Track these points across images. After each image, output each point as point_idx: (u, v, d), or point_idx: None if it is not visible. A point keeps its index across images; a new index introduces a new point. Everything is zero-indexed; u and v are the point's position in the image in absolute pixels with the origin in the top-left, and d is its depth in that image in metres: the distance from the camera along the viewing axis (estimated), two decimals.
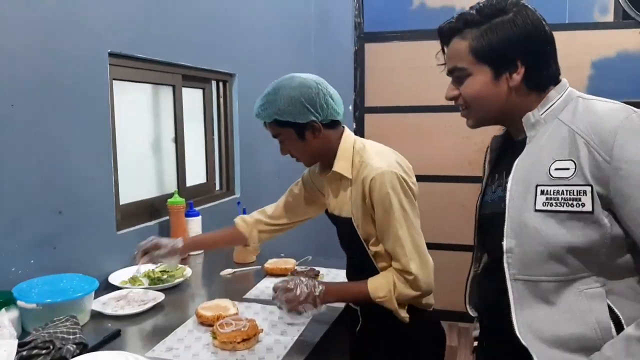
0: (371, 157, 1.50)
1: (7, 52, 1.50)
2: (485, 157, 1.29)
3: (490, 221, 1.18)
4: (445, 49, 1.16)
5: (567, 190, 1.01)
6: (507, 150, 1.20)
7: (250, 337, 1.34)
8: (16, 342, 1.20)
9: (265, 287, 1.83)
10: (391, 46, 3.85)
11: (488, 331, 1.27)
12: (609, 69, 3.55)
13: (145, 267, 1.67)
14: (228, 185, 2.87)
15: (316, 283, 1.46)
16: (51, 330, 1.31)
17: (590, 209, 0.99)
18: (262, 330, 1.41)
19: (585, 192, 0.99)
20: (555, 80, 1.11)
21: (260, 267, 2.04)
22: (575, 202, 1.00)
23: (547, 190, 1.03)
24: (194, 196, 2.48)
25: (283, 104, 1.49)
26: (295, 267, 1.89)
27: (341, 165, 1.53)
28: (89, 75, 1.79)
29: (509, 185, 1.08)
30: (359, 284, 1.50)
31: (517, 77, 1.08)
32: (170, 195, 2.20)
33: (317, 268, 1.92)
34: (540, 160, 1.05)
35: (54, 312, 1.40)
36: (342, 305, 1.63)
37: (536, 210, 1.03)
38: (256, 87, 3.02)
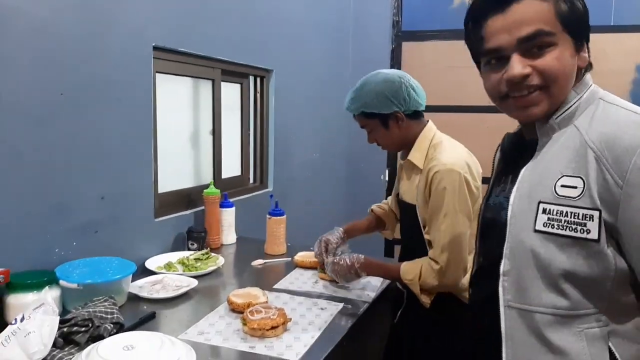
0: (443, 152, 1.60)
1: (59, 44, 1.58)
2: (495, 156, 1.16)
3: (490, 226, 1.07)
4: (501, 15, 0.92)
5: (571, 213, 0.87)
6: (518, 151, 1.06)
7: (278, 325, 1.37)
8: (58, 318, 1.26)
9: (294, 278, 1.87)
10: (429, 45, 3.82)
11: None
12: None
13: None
14: (262, 179, 2.92)
15: (356, 256, 1.67)
16: (90, 310, 1.38)
17: (596, 236, 0.86)
18: (291, 319, 1.44)
19: (592, 217, 0.85)
20: (587, 71, 0.98)
21: (290, 259, 2.08)
22: (579, 227, 0.86)
23: (549, 210, 0.89)
24: (229, 188, 2.54)
25: (369, 98, 1.64)
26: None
27: (416, 155, 1.66)
28: (134, 68, 1.86)
29: (511, 199, 0.95)
30: (396, 264, 1.64)
31: (585, 56, 0.94)
32: (206, 186, 2.26)
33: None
34: (548, 174, 0.92)
35: (93, 292, 1.47)
36: (370, 299, 1.66)
37: (535, 231, 0.91)
38: (293, 83, 3.08)
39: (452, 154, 1.60)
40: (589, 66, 0.97)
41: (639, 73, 3.45)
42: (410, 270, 1.57)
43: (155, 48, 1.97)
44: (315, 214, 3.35)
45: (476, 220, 1.20)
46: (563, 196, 0.88)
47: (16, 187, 1.50)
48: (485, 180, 1.32)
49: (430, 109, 4.21)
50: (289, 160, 3.10)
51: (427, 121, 1.73)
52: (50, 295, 1.38)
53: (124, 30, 1.80)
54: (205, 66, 2.35)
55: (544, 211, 0.90)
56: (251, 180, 2.90)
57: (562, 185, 0.89)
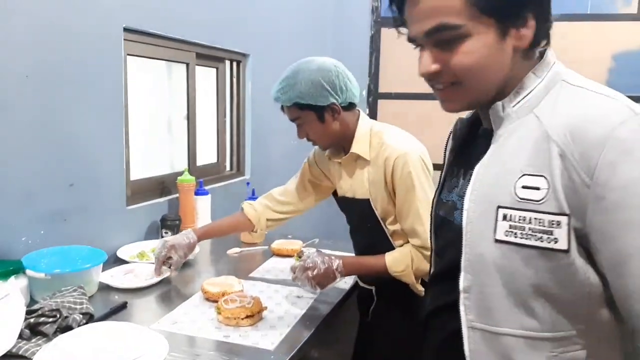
0: (391, 138, 1.53)
1: (22, 24, 1.50)
2: (447, 144, 1.01)
3: (442, 226, 0.96)
4: (412, 3, 0.81)
5: (535, 219, 0.74)
6: (472, 139, 0.94)
7: (254, 313, 1.35)
8: (24, 309, 1.22)
9: (271, 266, 1.84)
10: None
11: None
12: (631, 63, 3.47)
13: (167, 273, 1.66)
14: (238, 166, 2.87)
15: (332, 257, 1.51)
16: (58, 300, 1.33)
17: (565, 246, 0.73)
18: (267, 307, 1.42)
19: (559, 224, 0.73)
20: (548, 41, 0.84)
21: (267, 247, 2.05)
22: (545, 236, 0.73)
23: (510, 216, 0.76)
24: (204, 175, 2.49)
25: (304, 87, 1.50)
26: (302, 249, 1.90)
27: (359, 147, 1.56)
28: (103, 50, 1.80)
29: (466, 204, 0.82)
30: (376, 257, 1.53)
31: (527, 32, 0.79)
32: (181, 173, 2.21)
33: (323, 250, 1.92)
34: (506, 173, 0.78)
35: (62, 282, 1.42)
36: (347, 286, 1.64)
37: (496, 241, 0.77)
38: (270, 69, 3.02)
39: (401, 138, 1.54)
40: (544, 43, 0.84)
41: (615, 62, 3.49)
42: (399, 261, 1.49)
43: (126, 29, 1.90)
44: None
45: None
46: (525, 199, 0.75)
47: None
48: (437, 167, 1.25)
49: (410, 96, 4.20)
50: (267, 147, 3.06)
51: (359, 111, 1.62)
52: (16, 285, 1.33)
53: (93, 10, 1.73)
54: (179, 49, 2.29)
55: (505, 217, 0.77)
56: (227, 168, 2.85)
57: (523, 187, 0.76)
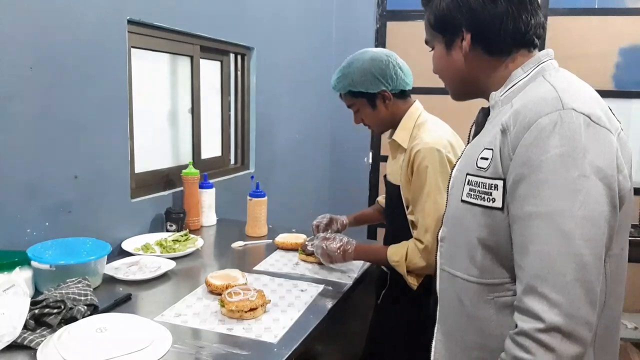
0: (426, 131, 1.60)
1: (27, 16, 1.50)
2: (470, 131, 1.16)
3: None
4: None
5: (482, 183, 0.93)
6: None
7: (257, 307, 1.35)
8: (29, 300, 1.22)
9: (275, 260, 1.84)
10: (414, 25, 3.77)
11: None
12: (637, 57, 3.45)
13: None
14: (243, 160, 2.87)
15: (349, 239, 1.68)
16: (63, 291, 1.34)
17: (500, 205, 0.89)
18: (270, 301, 1.42)
19: (496, 187, 0.90)
20: (522, 42, 0.99)
21: (271, 241, 2.05)
22: (486, 197, 0.91)
23: (470, 180, 0.96)
24: (209, 169, 2.50)
25: (356, 76, 1.63)
26: (306, 243, 1.89)
27: (400, 134, 1.65)
28: (107, 42, 1.79)
29: (453, 172, 1.04)
30: (383, 247, 1.64)
31: (465, 44, 1.01)
32: (185, 167, 2.21)
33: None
34: (477, 148, 0.97)
35: (66, 273, 1.43)
36: (350, 281, 1.64)
37: (462, 201, 0.97)
38: (274, 62, 3.02)
39: (435, 133, 1.59)
40: (521, 32, 0.98)
41: (621, 56, 3.47)
42: (396, 252, 1.57)
43: (130, 22, 1.89)
44: (297, 196, 3.32)
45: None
46: (479, 167, 0.94)
47: None
48: None
49: (415, 90, 4.20)
50: (271, 141, 3.06)
51: (414, 101, 1.72)
52: (21, 277, 1.34)
53: (97, 2, 1.73)
54: (183, 42, 2.28)
55: (468, 182, 0.96)
56: (232, 161, 2.85)
57: (481, 158, 0.94)
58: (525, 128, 0.86)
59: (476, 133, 1.11)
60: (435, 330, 1.06)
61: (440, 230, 1.05)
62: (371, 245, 1.78)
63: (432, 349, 1.06)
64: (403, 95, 1.68)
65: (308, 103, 3.51)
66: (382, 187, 1.92)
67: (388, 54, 1.65)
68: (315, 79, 3.61)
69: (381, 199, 2.00)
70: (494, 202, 0.90)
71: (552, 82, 0.92)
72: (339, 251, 1.65)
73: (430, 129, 1.61)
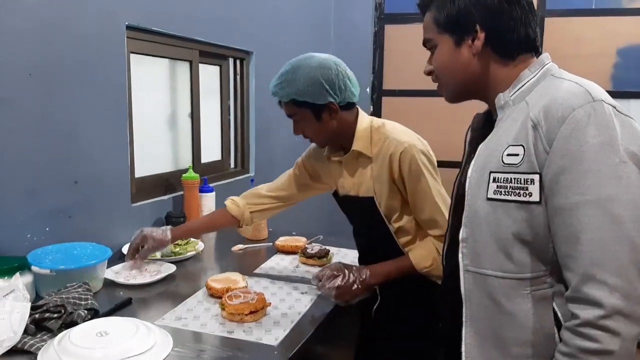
0: (393, 132, 1.51)
1: (25, 22, 1.51)
2: (466, 136, 1.21)
3: (460, 203, 1.10)
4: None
5: (515, 179, 0.93)
6: (485, 129, 1.12)
7: (257, 309, 1.35)
8: (29, 305, 1.22)
9: (275, 263, 1.84)
10: (412, 28, 3.78)
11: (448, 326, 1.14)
12: (636, 57, 3.45)
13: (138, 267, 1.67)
14: (243, 163, 2.88)
15: (358, 267, 1.50)
16: (63, 296, 1.34)
17: (537, 199, 0.91)
18: (270, 304, 1.42)
19: (532, 181, 0.91)
20: (528, 47, 1.03)
21: (271, 244, 2.05)
22: (522, 191, 0.92)
23: (498, 178, 0.96)
24: (209, 172, 2.50)
25: (302, 85, 1.47)
26: (306, 246, 1.90)
27: (360, 144, 1.53)
28: (106, 48, 1.80)
29: (469, 172, 1.03)
30: (400, 259, 1.53)
31: (477, 43, 1.02)
32: (185, 171, 2.22)
33: (327, 247, 1.92)
34: (498, 146, 0.99)
35: (67, 278, 1.43)
36: None
37: (487, 199, 0.97)
38: (273, 65, 3.00)
39: (403, 132, 1.53)
40: (520, 47, 1.03)
41: (619, 57, 3.47)
42: (424, 257, 1.49)
43: (129, 27, 1.90)
44: None
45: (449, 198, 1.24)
46: (508, 164, 0.95)
47: None
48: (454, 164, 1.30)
49: (414, 93, 4.19)
50: (271, 144, 3.06)
51: (357, 109, 1.59)
52: (21, 282, 1.34)
53: (95, 7, 1.74)
54: (182, 47, 2.29)
55: (494, 180, 0.96)
56: (232, 165, 2.85)
57: (508, 154, 0.95)
58: (560, 122, 0.88)
59: (473, 138, 1.14)
60: (463, 335, 1.03)
61: (462, 231, 1.02)
62: (384, 263, 1.54)
63: (463, 355, 1.02)
64: (349, 106, 1.54)
65: None
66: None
67: (337, 62, 1.51)
68: None
69: (229, 202, 1.80)
70: (530, 196, 0.91)
71: (570, 78, 0.97)
72: (356, 285, 1.46)
73: (394, 130, 1.53)
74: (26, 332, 1.19)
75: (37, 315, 1.24)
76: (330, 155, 1.64)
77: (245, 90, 2.84)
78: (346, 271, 1.47)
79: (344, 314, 1.55)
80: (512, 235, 0.94)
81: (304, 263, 1.82)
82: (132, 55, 1.99)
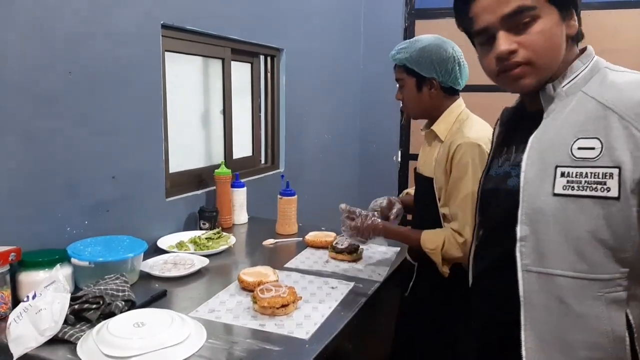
0: (468, 127, 1.61)
1: (65, 23, 1.56)
2: (494, 130, 1.18)
3: (491, 196, 1.09)
4: None
5: (591, 173, 0.88)
6: (518, 124, 1.09)
7: (289, 303, 1.37)
8: (69, 295, 1.27)
9: (305, 258, 1.86)
10: (443, 23, 3.74)
11: (488, 325, 1.11)
12: None
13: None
14: (273, 159, 2.91)
15: (377, 216, 1.72)
16: (102, 287, 1.38)
17: (616, 194, 0.86)
18: (301, 297, 1.44)
19: (611, 175, 0.86)
20: (578, 37, 1.00)
21: (301, 239, 2.07)
22: (599, 187, 0.87)
23: (568, 172, 0.90)
24: (240, 168, 2.53)
25: (416, 54, 1.63)
26: (336, 240, 1.91)
27: (440, 126, 1.66)
28: (142, 47, 1.85)
29: (523, 166, 0.96)
30: (416, 231, 1.65)
31: (573, 23, 0.97)
32: (217, 166, 2.25)
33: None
34: (561, 138, 0.93)
35: (105, 270, 1.48)
36: (380, 278, 1.65)
37: (555, 195, 0.91)
38: (303, 63, 3.04)
39: (478, 129, 1.60)
40: (580, 35, 1.01)
41: None
42: (432, 239, 1.57)
43: (164, 26, 1.94)
44: (327, 195, 3.33)
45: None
46: (581, 158, 0.89)
47: (27, 167, 1.50)
48: None
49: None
50: (301, 140, 3.08)
51: (458, 98, 1.72)
52: (61, 273, 1.38)
53: (132, 7, 1.78)
54: (215, 45, 2.33)
55: (563, 174, 0.91)
56: (262, 161, 2.89)
57: (579, 148, 0.90)
58: None
59: (501, 132, 1.12)
60: (522, 339, 0.96)
61: (519, 229, 0.96)
62: (402, 227, 1.76)
63: (524, 359, 0.96)
64: (451, 91, 1.68)
65: (337, 103, 3.53)
66: (411, 183, 1.91)
67: (454, 48, 1.65)
68: (344, 79, 3.63)
69: (411, 190, 1.98)
70: (608, 191, 0.86)
71: (631, 71, 0.95)
72: (367, 225, 1.66)
73: (473, 125, 1.62)
74: (66, 322, 1.23)
75: (76, 306, 1.28)
76: (424, 127, 1.78)
77: (275, 87, 2.86)
78: (363, 217, 1.69)
79: (375, 308, 1.56)
80: (588, 233, 0.89)
81: (334, 258, 1.83)
82: (166, 54, 2.03)
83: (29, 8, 1.46)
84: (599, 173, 0.87)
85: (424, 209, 1.73)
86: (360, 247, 1.88)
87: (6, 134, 1.44)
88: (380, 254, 1.90)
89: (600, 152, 0.88)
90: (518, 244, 0.96)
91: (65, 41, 1.57)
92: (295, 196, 2.19)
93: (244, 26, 2.44)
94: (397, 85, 1.74)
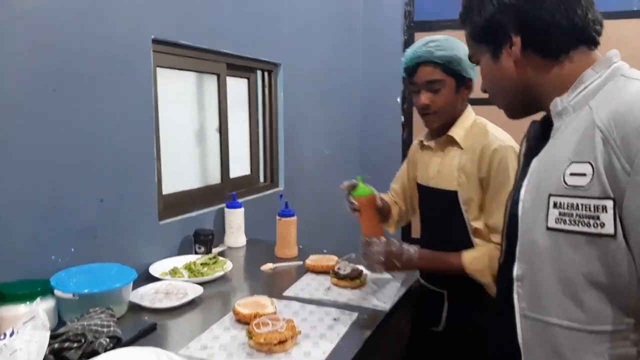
0: (493, 130, 1.52)
1: (50, 36, 1.48)
2: (521, 147, 1.05)
3: (510, 222, 0.97)
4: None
5: (582, 205, 0.74)
6: (544, 139, 0.97)
7: (287, 339, 1.26)
8: (48, 333, 1.16)
9: (306, 284, 1.75)
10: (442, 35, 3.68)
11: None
12: None
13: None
14: (272, 178, 2.81)
15: (408, 245, 1.51)
16: (85, 323, 1.28)
17: (611, 231, 0.72)
18: (300, 332, 1.33)
19: (604, 209, 0.72)
20: (579, 39, 0.87)
21: (301, 262, 1.96)
22: (592, 221, 0.74)
23: (560, 203, 0.77)
24: (238, 187, 2.44)
25: (462, 54, 1.48)
26: (338, 265, 1.80)
27: (457, 131, 1.54)
28: (132, 62, 1.76)
29: (522, 194, 0.85)
30: (452, 254, 1.48)
31: (515, 49, 0.89)
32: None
33: (360, 267, 1.82)
34: (556, 162, 0.80)
35: (90, 302, 1.38)
36: (386, 306, 1.54)
37: (548, 229, 0.78)
38: (302, 77, 2.96)
39: (502, 133, 1.51)
40: (584, 38, 0.88)
41: None
42: (477, 259, 1.44)
43: (155, 41, 1.86)
44: (328, 214, 3.23)
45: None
46: (572, 186, 0.76)
47: (6, 189, 1.40)
48: None
49: None
50: (300, 158, 2.99)
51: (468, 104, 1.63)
52: (41, 308, 1.28)
53: (120, 21, 1.70)
54: (209, 60, 2.24)
55: (555, 205, 0.78)
56: (261, 179, 2.79)
57: (572, 174, 0.77)
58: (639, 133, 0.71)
59: (529, 148, 0.98)
60: None
61: (516, 267, 0.85)
62: (434, 252, 1.52)
63: None
64: (469, 93, 1.60)
65: (336, 117, 3.44)
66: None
67: None
68: (344, 93, 3.55)
69: (385, 196, 1.83)
70: (602, 227, 0.73)
71: None
72: (405, 255, 1.47)
73: (495, 128, 1.53)
74: None
75: (56, 345, 1.18)
76: (424, 140, 1.66)
77: (273, 103, 2.77)
78: (397, 243, 1.49)
79: (381, 343, 1.45)
80: (583, 276, 0.76)
81: (336, 285, 1.72)
82: (158, 69, 1.94)
83: (10, 20, 1.37)
84: (590, 205, 0.74)
85: (446, 224, 1.56)
86: (364, 272, 1.77)
87: None
88: (385, 278, 1.79)
89: (591, 179, 0.74)
90: (515, 285, 0.85)
91: (49, 55, 1.48)
92: (295, 217, 2.09)
93: (239, 40, 2.35)
94: (420, 90, 1.53)
